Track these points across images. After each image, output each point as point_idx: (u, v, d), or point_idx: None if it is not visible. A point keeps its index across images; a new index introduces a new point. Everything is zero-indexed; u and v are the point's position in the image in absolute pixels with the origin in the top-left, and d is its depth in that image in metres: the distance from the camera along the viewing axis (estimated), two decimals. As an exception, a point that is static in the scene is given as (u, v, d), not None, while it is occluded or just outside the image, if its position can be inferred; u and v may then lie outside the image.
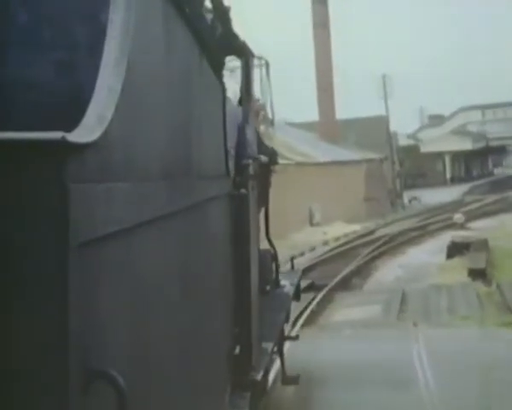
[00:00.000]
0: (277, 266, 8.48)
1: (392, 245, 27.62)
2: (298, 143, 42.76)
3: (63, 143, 1.69)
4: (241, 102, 6.60)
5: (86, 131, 1.88)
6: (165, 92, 3.01)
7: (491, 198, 53.92)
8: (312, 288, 17.58)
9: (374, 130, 52.90)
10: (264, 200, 7.83)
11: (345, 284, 19.54)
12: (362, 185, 46.03)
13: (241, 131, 6.15)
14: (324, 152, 44.58)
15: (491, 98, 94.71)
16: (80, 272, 1.79)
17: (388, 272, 22.04)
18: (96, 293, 1.98)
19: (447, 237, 30.79)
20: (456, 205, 49.56)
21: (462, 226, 33.95)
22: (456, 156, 77.48)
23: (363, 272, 22.00)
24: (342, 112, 57.36)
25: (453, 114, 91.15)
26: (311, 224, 38.48)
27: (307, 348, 10.68)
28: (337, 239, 31.58)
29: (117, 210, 2.12)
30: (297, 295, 8.92)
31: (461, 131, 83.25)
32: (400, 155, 59.11)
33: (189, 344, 3.46)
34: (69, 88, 2.78)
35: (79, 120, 1.94)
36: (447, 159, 76.01)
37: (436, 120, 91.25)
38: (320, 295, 16.46)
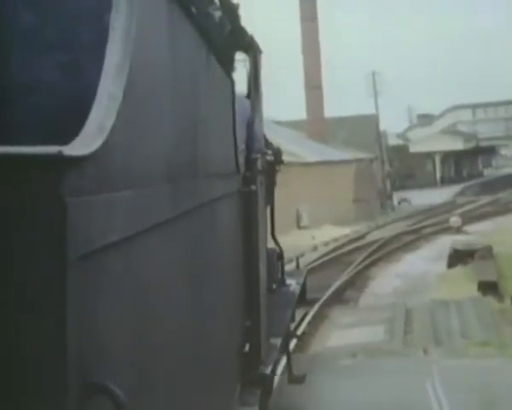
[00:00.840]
0: (283, 265, 8.45)
1: (387, 251, 25.70)
2: (285, 142, 40.68)
3: (60, 157, 1.66)
4: (249, 96, 6.50)
5: (85, 142, 1.85)
6: (170, 94, 2.96)
7: (483, 200, 52.48)
8: (303, 302, 15.61)
9: (363, 129, 51.07)
10: (269, 198, 7.74)
11: (339, 297, 17.63)
12: (351, 186, 44.18)
13: (249, 125, 6.13)
14: (312, 151, 42.67)
15: (481, 98, 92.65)
16: (79, 286, 1.76)
17: (385, 282, 20.10)
18: (96, 305, 1.93)
19: (443, 242, 29.13)
20: (448, 207, 48.05)
21: (458, 230, 32.15)
22: (446, 156, 75.57)
23: (357, 282, 20.08)
24: (331, 110, 55.49)
25: (443, 113, 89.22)
26: (299, 226, 36.60)
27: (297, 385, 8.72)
28: (327, 244, 29.64)
29: (117, 220, 2.08)
30: (303, 295, 8.92)
31: (451, 131, 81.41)
32: (390, 154, 57.23)
33: (199, 346, 3.41)
34: (71, 92, 2.76)
35: (80, 125, 1.91)
36: (437, 159, 74.06)
37: (425, 119, 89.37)
38: (312, 313, 14.52)
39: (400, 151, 67.81)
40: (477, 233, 31.79)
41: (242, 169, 5.51)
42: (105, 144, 1.93)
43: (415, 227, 35.18)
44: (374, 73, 54.85)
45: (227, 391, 4.67)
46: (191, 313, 3.30)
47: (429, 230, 33.68)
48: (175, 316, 2.97)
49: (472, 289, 16.76)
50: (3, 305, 1.70)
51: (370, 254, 24.58)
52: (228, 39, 5.06)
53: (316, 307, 15.03)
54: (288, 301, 8.03)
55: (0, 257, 1.69)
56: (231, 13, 5.08)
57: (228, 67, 5.14)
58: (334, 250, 26.57)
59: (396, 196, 54.77)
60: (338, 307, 16.56)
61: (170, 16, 2.96)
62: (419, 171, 72.54)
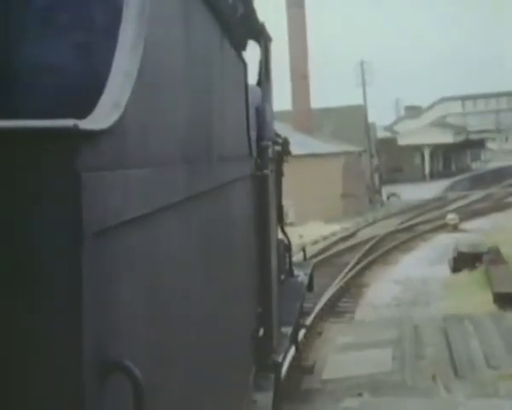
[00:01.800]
0: (291, 256, 8.38)
1: (381, 252, 23.53)
2: (269, 133, 38.58)
3: (75, 130, 1.65)
4: (259, 83, 6.49)
5: (100, 118, 1.84)
6: (184, 75, 2.94)
7: (475, 195, 50.65)
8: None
9: (351, 120, 48.94)
10: (277, 189, 7.50)
11: (333, 309, 15.46)
12: (339, 181, 42.02)
13: (260, 112, 6.10)
14: (298, 144, 40.31)
15: (470, 90, 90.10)
16: (95, 262, 1.75)
17: (383, 290, 17.91)
18: (112, 282, 1.92)
19: (441, 241, 27.09)
20: (439, 202, 46.17)
21: (455, 228, 30.08)
22: (435, 150, 73.40)
23: (352, 289, 17.91)
24: (318, 100, 53.25)
25: (432, 105, 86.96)
26: (285, 223, 34.32)
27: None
28: (315, 243, 27.43)
29: (133, 197, 2.07)
30: (310, 286, 8.83)
31: (441, 123, 79.21)
32: (378, 147, 55.08)
33: (214, 327, 3.42)
34: (85, 71, 2.73)
35: (95, 104, 1.89)
36: (426, 152, 71.82)
37: (413, 111, 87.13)
38: (303, 329, 12.29)
39: (388, 144, 65.53)
40: (475, 231, 29.77)
41: (254, 154, 5.45)
42: (120, 120, 1.92)
43: (408, 224, 33.10)
44: (362, 63, 52.61)
45: (243, 372, 4.65)
46: (206, 293, 3.25)
47: (424, 227, 31.64)
48: (190, 296, 2.92)
49: (486, 301, 14.62)
50: (19, 280, 1.66)
51: (364, 256, 22.43)
52: (240, 22, 4.94)
53: (307, 321, 12.82)
54: (296, 292, 7.94)
55: (15, 231, 1.65)
56: None
57: (240, 49, 5.04)
58: (323, 251, 24.35)
59: (384, 191, 52.72)
60: (332, 321, 14.40)
61: None
62: (407, 164, 70.37)
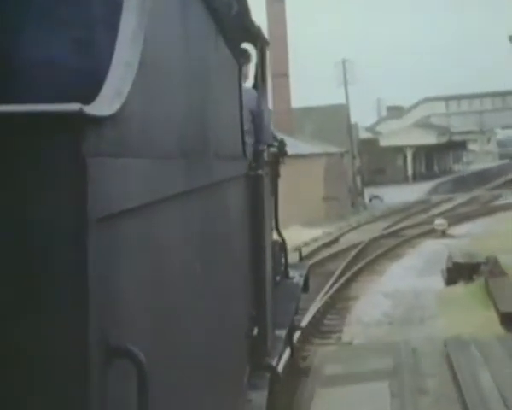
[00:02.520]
0: (286, 257, 8.22)
1: (367, 260, 21.93)
2: (248, 133, 36.95)
3: (81, 115, 1.65)
4: (255, 86, 6.53)
5: (104, 105, 1.85)
6: (181, 69, 2.97)
7: (460, 198, 49.33)
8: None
9: (333, 120, 47.38)
10: (273, 190, 7.50)
11: (317, 327, 13.85)
12: (321, 183, 40.41)
13: (257, 116, 6.23)
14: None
15: (453, 91, 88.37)
16: (99, 246, 1.75)
17: (371, 304, 16.30)
18: (115, 268, 1.94)
19: (430, 248, 25.59)
20: (424, 206, 44.82)
21: (443, 234, 28.58)
22: (418, 151, 71.91)
23: (338, 304, 16.29)
24: (298, 99, 51.62)
25: (415, 106, 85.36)
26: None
27: None
28: (296, 249, 25.74)
29: (135, 186, 2.09)
30: (306, 287, 8.70)
31: (424, 124, 77.66)
32: (360, 148, 53.55)
33: (210, 322, 3.45)
34: (85, 65, 2.70)
35: (96, 96, 1.90)
36: (409, 154, 70.28)
37: (395, 111, 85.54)
38: (285, 356, 10.67)
39: (370, 145, 63.91)
40: (464, 237, 28.33)
41: (250, 157, 5.52)
42: (122, 109, 1.92)
43: (393, 229, 31.59)
44: (344, 61, 51.06)
45: (238, 371, 4.63)
46: (201, 289, 3.25)
47: (410, 232, 30.17)
48: (189, 286, 2.96)
49: (489, 320, 13.06)
50: (24, 266, 1.67)
51: (349, 265, 20.84)
52: (235, 21, 4.98)
53: (290, 343, 11.17)
54: (292, 294, 7.84)
55: (21, 215, 1.66)
56: None
57: (234, 48, 5.03)
58: (305, 259, 22.69)
59: (366, 193, 51.26)
60: (318, 342, 12.80)
61: None
62: (389, 166, 68.86)
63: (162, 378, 2.30)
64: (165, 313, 2.49)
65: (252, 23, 5.77)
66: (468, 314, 13.85)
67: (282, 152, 8.22)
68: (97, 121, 1.76)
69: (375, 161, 65.38)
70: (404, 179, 68.11)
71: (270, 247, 6.23)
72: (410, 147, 69.66)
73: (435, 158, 79.44)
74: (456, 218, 34.62)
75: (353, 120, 52.54)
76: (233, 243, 4.58)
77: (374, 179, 61.31)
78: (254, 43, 6.13)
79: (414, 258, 23.43)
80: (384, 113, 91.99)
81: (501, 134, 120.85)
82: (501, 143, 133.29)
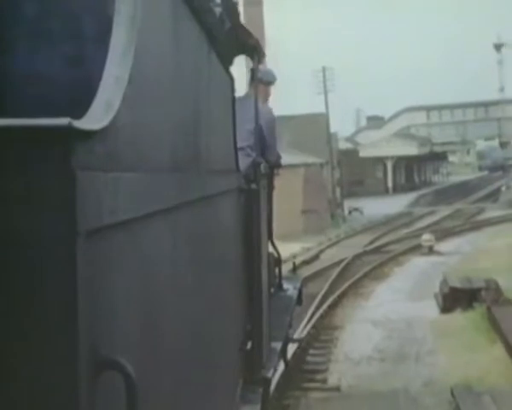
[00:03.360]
0: (280, 270, 8.23)
1: (351, 282, 19.99)
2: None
3: (70, 129, 1.67)
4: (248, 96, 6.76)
5: (94, 119, 1.87)
6: (172, 84, 2.98)
7: (443, 211, 47.72)
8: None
9: (312, 129, 45.47)
10: (268, 202, 7.46)
11: (299, 366, 11.91)
12: (299, 195, 38.47)
13: (266, 134, 6.84)
14: (255, 154, 36.90)
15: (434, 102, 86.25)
16: (89, 260, 1.77)
17: (360, 335, 14.38)
18: (105, 281, 1.94)
19: (418, 266, 23.76)
20: (406, 219, 43.11)
21: (430, 250, 26.77)
22: (398, 162, 70.19)
23: (322, 334, 14.37)
24: (276, 107, 49.64)
25: (395, 116, 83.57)
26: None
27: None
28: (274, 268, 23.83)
29: (125, 200, 2.08)
30: (300, 299, 8.52)
31: (405, 134, 75.86)
32: (339, 159, 51.73)
33: (200, 335, 3.43)
34: (76, 79, 2.77)
35: (86, 110, 1.94)
36: (389, 165, 68.50)
37: (375, 121, 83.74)
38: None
39: (349, 156, 62.12)
40: (453, 254, 26.58)
41: (248, 171, 5.66)
42: (112, 122, 1.93)
43: (376, 245, 29.74)
44: (324, 68, 49.28)
45: (230, 385, 4.63)
46: (194, 301, 3.24)
47: (394, 248, 28.36)
48: (179, 301, 2.92)
49: (498, 359, 11.23)
50: (13, 277, 1.67)
51: (332, 287, 18.94)
52: (228, 37, 5.03)
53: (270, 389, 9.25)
54: (286, 306, 7.79)
55: (10, 228, 1.66)
56: (231, 10, 4.99)
57: (227, 63, 5.11)
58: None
59: (345, 205, 49.43)
60: (300, 386, 10.89)
61: (173, 7, 2.95)
62: (369, 177, 67.04)
63: (152, 391, 2.31)
64: (154, 326, 2.46)
65: (249, 35, 5.80)
66: (472, 350, 12.01)
67: (276, 164, 8.07)
68: (87, 135, 1.77)
69: (355, 172, 63.58)
70: (385, 191, 66.38)
71: (265, 261, 6.21)
72: (391, 158, 67.93)
73: (415, 169, 77.85)
74: (443, 233, 32.86)
75: (332, 129, 50.75)
76: (226, 255, 4.56)
77: (353, 191, 59.53)
78: (251, 56, 6.17)
79: (401, 278, 21.56)
80: (363, 123, 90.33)
81: (480, 145, 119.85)
82: (480, 155, 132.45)
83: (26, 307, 1.67)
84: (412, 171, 76.53)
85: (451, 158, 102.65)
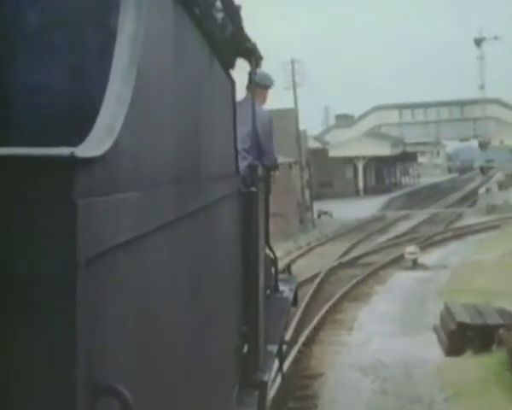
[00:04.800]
0: (276, 272, 8.23)
1: (329, 306, 16.69)
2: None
3: (72, 159, 1.67)
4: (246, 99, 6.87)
5: (95, 144, 1.86)
6: (174, 98, 2.98)
7: (418, 215, 44.84)
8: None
9: (280, 126, 42.02)
10: (265, 204, 7.46)
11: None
12: (266, 197, 35.19)
13: (263, 138, 7.21)
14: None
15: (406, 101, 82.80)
16: (88, 287, 1.75)
17: (345, 389, 11.03)
18: (104, 306, 1.93)
19: (402, 284, 20.62)
20: (380, 224, 40.15)
21: (414, 263, 23.60)
22: (369, 163, 67.03)
23: (296, 389, 11.01)
24: (241, 102, 46.16)
25: (366, 114, 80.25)
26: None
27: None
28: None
29: (126, 221, 2.08)
30: (295, 301, 8.69)
31: (377, 134, 72.63)
32: (309, 158, 48.47)
33: (201, 346, 3.50)
34: (77, 95, 2.82)
35: (87, 127, 1.94)
36: (360, 165, 65.30)
37: (345, 120, 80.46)
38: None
39: (318, 155, 58.89)
40: (439, 268, 23.57)
41: (245, 174, 5.70)
42: (114, 147, 1.95)
43: (352, 256, 26.53)
44: (293, 61, 45.96)
45: (227, 390, 4.68)
46: (193, 313, 3.29)
47: (372, 260, 25.23)
48: (179, 316, 2.95)
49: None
50: (13, 306, 1.67)
51: (304, 315, 15.64)
52: (230, 41, 5.08)
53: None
54: (282, 308, 7.73)
55: (10, 257, 1.67)
56: (234, 15, 5.06)
57: (229, 68, 5.20)
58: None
59: (315, 208, 46.25)
60: None
61: (175, 18, 2.97)
62: (338, 178, 63.88)
63: None
64: (153, 347, 2.46)
65: (247, 39, 5.82)
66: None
67: (273, 166, 8.10)
68: (88, 163, 1.77)
69: (324, 173, 60.45)
70: (355, 193, 63.26)
71: (263, 264, 6.21)
72: (362, 158, 64.75)
73: (385, 170, 74.86)
74: (424, 242, 29.82)
75: (300, 127, 47.47)
76: (225, 261, 4.60)
77: (322, 193, 56.41)
78: (249, 59, 6.16)
79: (386, 300, 18.26)
80: (331, 121, 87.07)
81: (451, 147, 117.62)
82: (449, 157, 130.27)
83: (25, 333, 1.67)
84: (383, 172, 73.52)
85: (421, 159, 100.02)
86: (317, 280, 20.08)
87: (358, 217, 42.98)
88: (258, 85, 7.14)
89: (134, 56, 2.21)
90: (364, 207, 48.85)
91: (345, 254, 27.32)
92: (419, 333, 14.14)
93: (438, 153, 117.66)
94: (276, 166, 8.25)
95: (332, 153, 64.21)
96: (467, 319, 12.41)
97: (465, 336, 12.14)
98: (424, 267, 23.57)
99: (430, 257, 25.92)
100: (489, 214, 43.31)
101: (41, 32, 2.91)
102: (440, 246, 29.49)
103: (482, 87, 75.98)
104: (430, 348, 12.88)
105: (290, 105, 46.67)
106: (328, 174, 62.28)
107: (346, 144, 65.36)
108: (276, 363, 7.32)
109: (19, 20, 2.94)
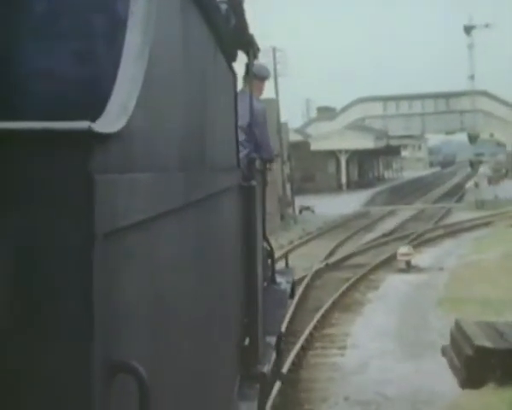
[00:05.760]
0: (273, 264, 8.16)
1: (316, 321, 14.55)
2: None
3: (89, 132, 1.66)
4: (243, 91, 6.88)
5: (110, 121, 1.85)
6: (183, 84, 3.01)
7: (404, 211, 42.91)
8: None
9: (260, 117, 40.00)
10: (262, 197, 7.57)
11: None
12: (245, 192, 33.07)
13: (259, 130, 7.00)
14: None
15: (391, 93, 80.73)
16: (104, 262, 1.76)
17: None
18: (118, 283, 1.93)
19: (396, 289, 18.57)
20: (365, 221, 38.16)
21: (407, 265, 21.53)
22: (352, 156, 64.95)
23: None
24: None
25: (348, 106, 78.12)
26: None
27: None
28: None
29: (139, 201, 2.11)
30: (292, 293, 8.74)
31: (360, 127, 70.51)
32: (290, 152, 46.36)
33: (204, 334, 3.51)
34: (89, 79, 2.77)
35: (99, 111, 1.91)
36: (342, 159, 63.18)
37: (327, 112, 78.29)
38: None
39: (299, 148, 56.78)
40: (435, 270, 21.57)
41: (243, 167, 5.67)
42: (128, 125, 1.93)
43: (339, 257, 24.42)
44: (274, 49, 43.80)
45: (229, 382, 4.64)
46: (198, 300, 3.30)
47: (360, 261, 23.17)
48: (186, 299, 2.99)
49: None
50: (30, 279, 1.66)
51: (291, 327, 13.54)
52: (232, 33, 5.08)
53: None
54: (279, 300, 7.73)
55: (27, 231, 1.66)
56: (237, 6, 5.08)
57: (231, 59, 5.24)
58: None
59: (296, 204, 44.17)
60: None
61: (183, 6, 3.00)
62: (320, 172, 61.77)
63: (162, 392, 2.32)
64: (164, 327, 2.49)
65: (246, 31, 5.84)
66: None
67: (269, 159, 7.88)
68: (105, 138, 1.77)
69: (305, 167, 58.38)
70: (338, 187, 61.21)
71: (260, 256, 6.22)
72: (345, 152, 62.64)
73: (367, 164, 72.88)
74: (412, 239, 27.81)
75: (282, 119, 45.35)
76: (227, 252, 4.59)
77: (303, 187, 54.33)
78: (246, 50, 6.24)
79: (381, 310, 16.14)
80: (312, 114, 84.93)
81: (432, 140, 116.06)
82: (431, 150, 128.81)
83: (41, 309, 1.65)
84: (364, 166, 71.54)
85: (403, 153, 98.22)
86: (303, 285, 18.01)
87: (342, 213, 40.98)
88: (255, 77, 7.08)
89: (146, 39, 2.22)
90: (347, 203, 46.88)
91: (331, 254, 25.20)
92: (424, 356, 12.01)
93: (419, 147, 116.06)
94: (272, 159, 8.08)
95: (314, 146, 62.05)
96: (487, 343, 10.29)
97: (486, 364, 10.02)
98: (418, 269, 21.52)
99: (423, 258, 23.86)
100: (479, 210, 41.39)
101: (52, 17, 2.86)
102: (432, 245, 27.46)
103: (472, 77, 74.18)
104: (441, 378, 10.73)
105: (271, 95, 44.55)
106: (310, 168, 60.23)
107: (328, 137, 63.21)
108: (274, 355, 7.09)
109: (30, 6, 2.88)
